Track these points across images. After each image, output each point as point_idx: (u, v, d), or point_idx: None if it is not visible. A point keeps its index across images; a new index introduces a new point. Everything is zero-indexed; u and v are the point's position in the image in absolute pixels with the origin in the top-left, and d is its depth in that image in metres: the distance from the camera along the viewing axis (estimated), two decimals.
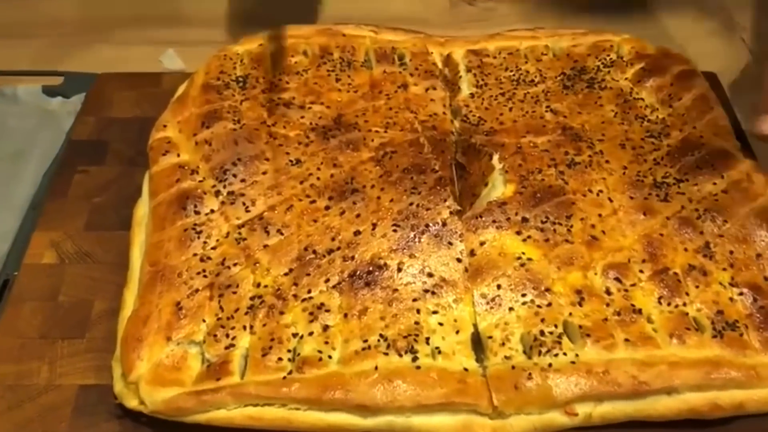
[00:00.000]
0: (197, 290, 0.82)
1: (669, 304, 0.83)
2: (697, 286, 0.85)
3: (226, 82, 1.06)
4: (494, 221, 0.89)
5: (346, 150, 0.97)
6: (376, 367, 0.76)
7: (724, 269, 0.87)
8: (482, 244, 0.87)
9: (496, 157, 0.97)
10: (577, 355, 0.78)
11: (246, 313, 0.81)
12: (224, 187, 0.92)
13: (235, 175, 0.93)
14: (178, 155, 0.96)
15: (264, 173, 0.94)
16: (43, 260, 0.93)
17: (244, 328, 0.80)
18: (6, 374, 0.83)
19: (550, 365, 0.77)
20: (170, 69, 1.25)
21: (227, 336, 0.79)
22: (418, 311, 0.81)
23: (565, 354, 0.78)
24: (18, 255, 0.96)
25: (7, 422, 0.79)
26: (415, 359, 0.77)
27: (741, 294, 0.85)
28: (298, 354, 0.78)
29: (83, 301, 0.89)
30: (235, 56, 1.11)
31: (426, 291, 0.83)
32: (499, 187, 0.93)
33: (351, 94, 1.06)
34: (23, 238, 0.98)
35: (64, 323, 0.87)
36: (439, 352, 0.78)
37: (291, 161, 0.96)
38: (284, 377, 0.75)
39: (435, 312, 0.82)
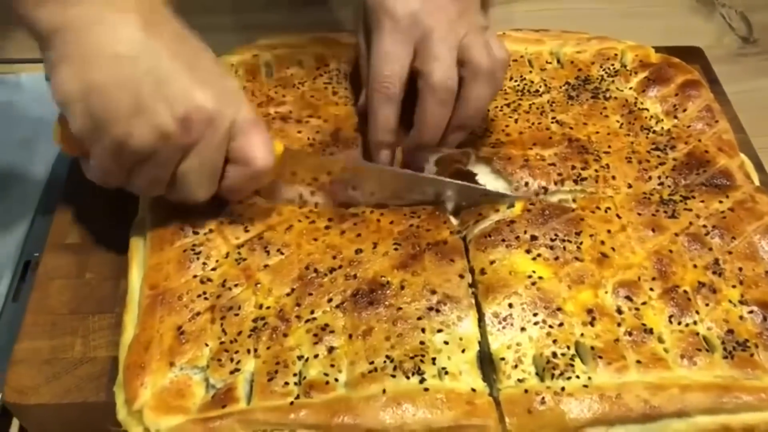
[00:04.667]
0: (198, 313, 0.80)
1: (680, 323, 0.82)
2: (707, 304, 0.84)
3: None
4: (503, 240, 0.88)
5: None
6: (384, 391, 0.74)
7: (734, 286, 0.86)
8: (492, 263, 0.86)
9: (485, 170, 0.96)
10: (589, 378, 0.77)
11: (249, 336, 0.79)
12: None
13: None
14: None
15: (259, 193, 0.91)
16: (66, 240, 0.95)
17: (249, 351, 0.77)
18: (41, 349, 0.84)
19: (563, 389, 0.75)
20: None
21: (231, 360, 0.77)
22: (423, 330, 0.80)
23: (578, 377, 0.77)
24: (37, 237, 0.98)
25: (47, 394, 0.80)
26: (422, 381, 0.75)
27: (751, 312, 0.84)
28: (304, 377, 0.76)
29: (109, 278, 0.90)
30: (229, 67, 1.08)
31: (430, 309, 0.81)
32: (506, 208, 0.92)
33: (348, 108, 1.04)
34: (40, 222, 1.00)
35: (93, 299, 0.88)
36: (446, 373, 0.77)
37: None
38: (292, 402, 0.73)
39: (440, 330, 0.80)
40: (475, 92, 0.88)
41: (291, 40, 1.13)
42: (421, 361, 0.77)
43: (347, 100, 1.05)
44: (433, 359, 0.77)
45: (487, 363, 0.80)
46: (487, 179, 0.96)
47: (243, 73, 1.08)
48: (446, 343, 0.79)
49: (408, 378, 0.75)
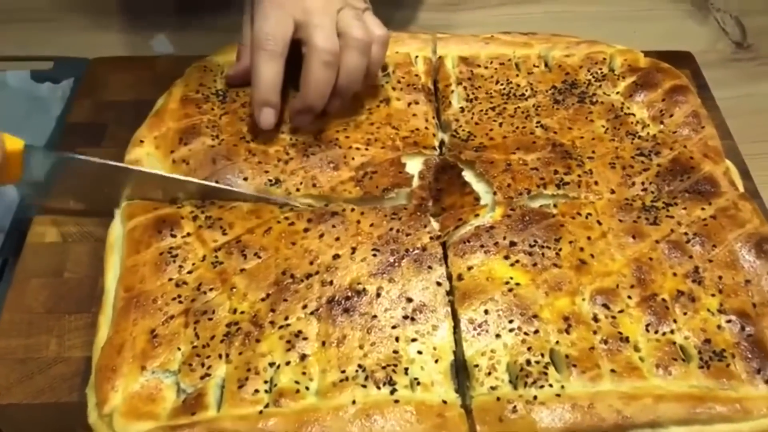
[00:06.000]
0: (172, 317, 0.80)
1: (656, 332, 0.82)
2: (685, 313, 0.83)
3: (206, 95, 1.03)
4: (482, 246, 0.87)
5: (326, 169, 0.94)
6: (354, 401, 0.73)
7: (713, 295, 0.85)
8: (470, 268, 0.86)
9: (468, 174, 0.96)
10: (562, 387, 0.76)
11: (222, 341, 0.78)
12: (202, 212, 0.89)
13: (213, 202, 0.91)
14: None
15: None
16: (46, 239, 0.95)
17: (220, 356, 0.77)
18: (16, 348, 0.84)
19: (535, 397, 0.75)
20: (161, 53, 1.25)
21: (203, 365, 0.77)
22: (397, 339, 0.79)
23: (551, 385, 0.76)
24: (16, 237, 0.97)
25: (20, 393, 0.80)
26: (393, 391, 0.75)
27: (729, 321, 0.83)
28: (275, 385, 0.76)
29: (87, 278, 0.90)
30: (215, 67, 1.08)
31: (405, 317, 0.81)
32: (486, 213, 0.92)
33: None
34: (20, 220, 0.99)
35: (70, 298, 0.89)
36: (418, 384, 0.76)
37: (270, 181, 0.93)
38: (261, 411, 0.73)
39: (414, 340, 0.80)
40: (350, 61, 0.93)
41: None
42: (393, 371, 0.77)
43: None
44: (406, 369, 0.77)
45: (461, 370, 0.80)
46: (471, 182, 0.96)
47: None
48: (420, 352, 0.79)
49: (379, 388, 0.75)
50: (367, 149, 0.97)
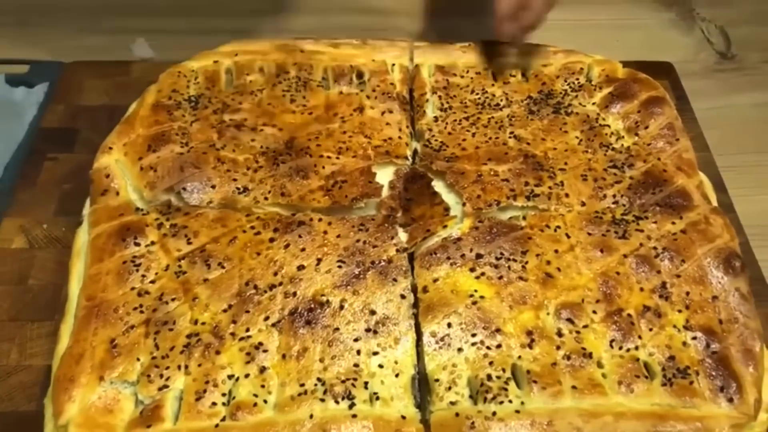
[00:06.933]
0: (133, 327, 0.80)
1: (620, 348, 0.81)
2: (650, 329, 0.83)
3: (178, 101, 1.03)
4: (448, 258, 0.87)
5: (295, 178, 0.94)
6: (312, 415, 0.73)
7: (680, 311, 0.85)
8: (435, 281, 0.85)
9: (440, 184, 0.95)
10: (522, 403, 0.76)
11: (182, 352, 0.78)
12: (167, 219, 0.89)
13: (179, 209, 0.90)
14: (117, 194, 0.92)
15: (210, 203, 0.91)
16: (12, 245, 0.95)
17: (179, 368, 0.77)
18: None
19: (494, 413, 0.75)
20: (141, 57, 1.25)
21: (161, 376, 0.76)
22: (359, 352, 0.79)
23: (510, 401, 0.76)
24: None
25: None
26: (351, 406, 0.75)
27: (694, 338, 0.83)
28: (233, 397, 0.75)
29: (52, 285, 0.91)
30: (189, 73, 1.07)
31: (368, 330, 0.81)
32: (455, 224, 0.91)
33: (305, 116, 1.03)
34: None
35: (34, 306, 0.89)
36: (377, 398, 0.76)
37: (238, 189, 0.93)
38: (217, 424, 0.72)
39: (376, 353, 0.79)
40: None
41: (253, 47, 1.12)
42: (353, 384, 0.76)
43: (304, 108, 1.04)
44: (366, 383, 0.77)
45: (423, 384, 0.79)
46: (441, 192, 0.96)
47: (202, 80, 1.07)
48: (381, 366, 0.78)
49: (337, 402, 0.75)
50: (338, 158, 0.97)
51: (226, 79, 1.09)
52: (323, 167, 0.96)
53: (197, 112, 1.02)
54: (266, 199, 0.92)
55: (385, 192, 0.95)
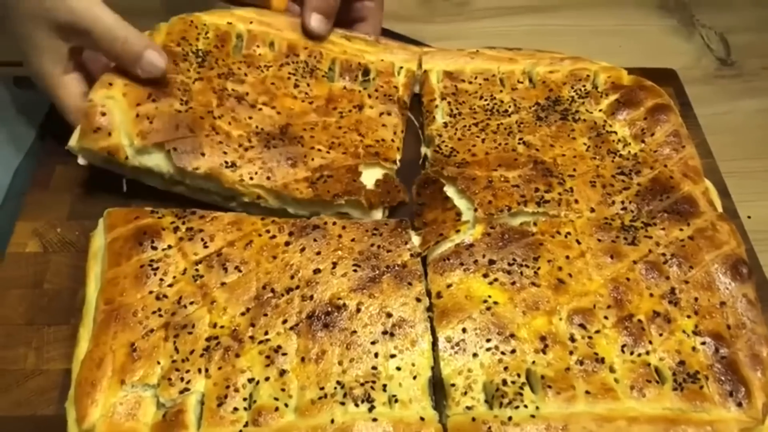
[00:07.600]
0: (152, 330, 0.80)
1: (632, 353, 0.83)
2: (660, 334, 0.85)
3: (186, 52, 1.02)
4: (461, 264, 0.88)
5: (283, 164, 0.95)
6: (333, 420, 0.74)
7: (689, 316, 0.87)
8: (449, 286, 0.86)
9: (451, 190, 0.96)
10: (537, 408, 0.77)
11: (201, 356, 0.79)
12: (183, 223, 0.89)
13: (194, 212, 0.91)
14: (110, 134, 0.90)
15: (196, 169, 0.91)
16: (27, 249, 0.95)
17: (199, 371, 0.78)
18: None
19: (510, 418, 0.76)
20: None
21: (182, 380, 0.77)
22: (376, 355, 0.80)
23: (526, 406, 0.77)
24: None
25: None
26: (371, 409, 0.76)
27: (704, 343, 0.84)
28: (255, 401, 0.76)
29: (67, 289, 0.91)
30: (201, 26, 1.06)
31: (385, 333, 0.82)
32: (468, 229, 0.92)
33: (305, 105, 1.03)
34: (1, 230, 0.98)
35: (50, 310, 0.89)
36: (396, 401, 0.77)
37: (226, 163, 0.93)
38: (240, 430, 0.73)
39: (393, 356, 0.80)
40: None
41: (269, 19, 1.11)
42: (372, 387, 0.77)
43: (306, 96, 1.04)
44: (384, 386, 0.78)
45: (439, 388, 0.81)
46: (452, 197, 0.97)
47: (212, 37, 1.06)
48: (398, 368, 0.79)
49: (357, 405, 0.76)
50: (328, 152, 0.98)
51: (235, 44, 1.08)
52: (312, 159, 0.97)
53: (202, 70, 1.01)
54: (251, 179, 0.92)
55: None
